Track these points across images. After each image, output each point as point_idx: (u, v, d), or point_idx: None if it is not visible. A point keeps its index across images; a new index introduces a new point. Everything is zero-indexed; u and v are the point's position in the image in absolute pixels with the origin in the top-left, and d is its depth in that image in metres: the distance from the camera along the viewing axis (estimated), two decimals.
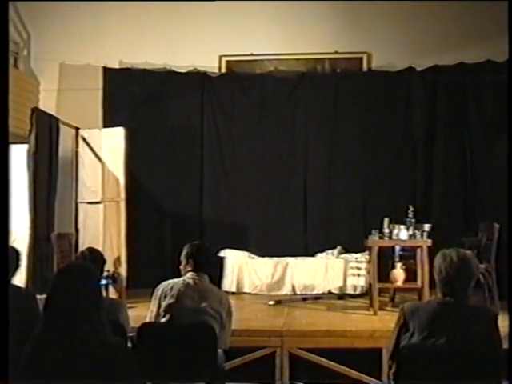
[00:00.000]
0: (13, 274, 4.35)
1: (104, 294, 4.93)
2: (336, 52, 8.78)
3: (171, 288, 4.28)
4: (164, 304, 4.25)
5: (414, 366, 3.30)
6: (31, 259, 6.73)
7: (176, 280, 4.35)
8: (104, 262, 4.52)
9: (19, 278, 4.54)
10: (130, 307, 4.83)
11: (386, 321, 5.67)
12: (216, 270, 7.96)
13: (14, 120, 8.00)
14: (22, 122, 7.78)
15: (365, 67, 8.82)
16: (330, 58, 8.86)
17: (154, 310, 4.32)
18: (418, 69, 8.59)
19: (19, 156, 6.75)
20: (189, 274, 4.35)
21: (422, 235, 6.49)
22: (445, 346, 3.28)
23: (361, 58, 8.81)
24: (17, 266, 4.39)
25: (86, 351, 2.65)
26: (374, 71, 8.76)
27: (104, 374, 2.63)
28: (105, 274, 5.04)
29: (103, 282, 4.99)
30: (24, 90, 8.63)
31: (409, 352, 3.34)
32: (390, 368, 3.55)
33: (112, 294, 5.64)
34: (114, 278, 4.53)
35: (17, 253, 4.44)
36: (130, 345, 3.99)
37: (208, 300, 4.25)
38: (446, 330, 3.31)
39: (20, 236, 6.61)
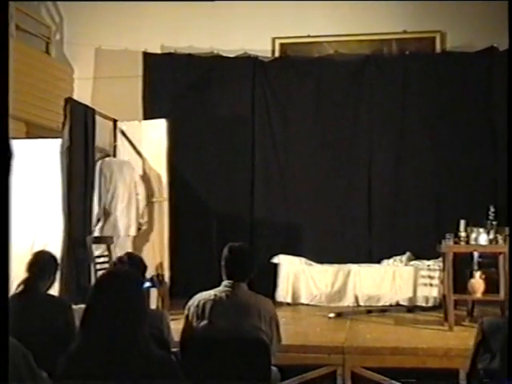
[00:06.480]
0: (51, 283, 4.45)
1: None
2: (405, 31, 8.72)
3: (203, 306, 4.21)
4: (196, 326, 4.26)
5: None
6: (65, 266, 6.85)
7: (208, 294, 4.26)
8: (145, 267, 4.57)
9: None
10: (173, 319, 4.87)
11: (464, 338, 5.62)
12: (269, 279, 8.08)
13: (46, 112, 8.21)
14: (54, 114, 7.96)
15: (438, 48, 8.74)
16: (397, 39, 8.81)
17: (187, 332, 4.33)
18: (501, 48, 8.46)
19: (52, 151, 6.87)
20: (222, 285, 4.27)
21: (504, 240, 6.40)
22: None
23: (433, 38, 8.74)
24: (55, 275, 4.49)
25: (129, 366, 2.69)
26: (448, 52, 8.69)
27: None
28: (148, 276, 5.09)
29: (147, 284, 5.04)
30: (56, 79, 8.82)
31: (489, 378, 3.29)
32: None
33: (154, 298, 5.69)
34: (159, 281, 4.58)
35: (55, 260, 4.53)
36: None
37: (244, 315, 4.17)
38: None
39: (52, 241, 6.72)
